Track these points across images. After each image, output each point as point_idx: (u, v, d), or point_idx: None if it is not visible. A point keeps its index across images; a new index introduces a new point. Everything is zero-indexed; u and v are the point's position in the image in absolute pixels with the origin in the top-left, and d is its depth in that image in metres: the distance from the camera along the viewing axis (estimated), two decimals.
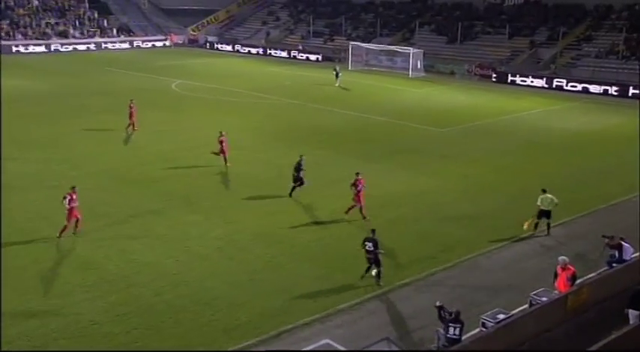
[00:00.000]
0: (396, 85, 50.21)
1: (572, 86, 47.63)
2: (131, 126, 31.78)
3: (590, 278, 16.18)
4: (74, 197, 18.77)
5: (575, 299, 14.28)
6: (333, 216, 21.24)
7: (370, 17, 71.84)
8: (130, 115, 31.76)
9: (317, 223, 20.74)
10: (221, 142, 26.06)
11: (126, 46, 73.20)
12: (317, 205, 22.32)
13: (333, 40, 69.88)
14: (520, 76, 50.80)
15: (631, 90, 44.59)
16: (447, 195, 23.22)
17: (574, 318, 14.15)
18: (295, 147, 29.63)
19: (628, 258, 16.51)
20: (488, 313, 14.08)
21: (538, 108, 41.19)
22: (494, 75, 51.48)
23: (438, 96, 45.86)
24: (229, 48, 73.94)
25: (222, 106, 40.04)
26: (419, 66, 55.67)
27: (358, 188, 20.72)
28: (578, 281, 15.42)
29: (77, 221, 18.94)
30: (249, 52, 71.74)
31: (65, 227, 18.77)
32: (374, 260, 16.73)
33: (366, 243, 16.94)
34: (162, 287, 16.27)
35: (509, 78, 51.13)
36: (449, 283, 16.81)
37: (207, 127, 32.80)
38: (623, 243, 16.70)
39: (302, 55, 66.86)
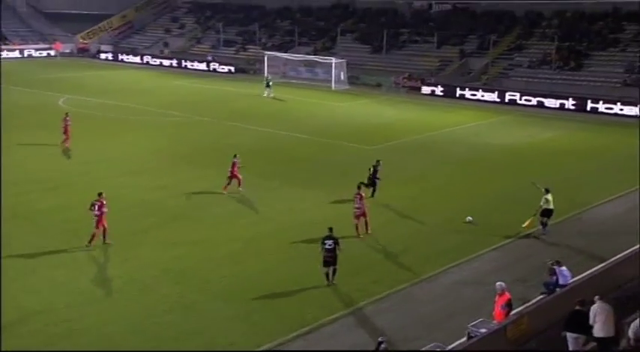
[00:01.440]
0: (318, 99, 50.76)
1: (505, 98, 49.63)
2: (66, 142, 32.68)
3: (530, 305, 16.71)
4: (104, 202, 20.39)
5: (515, 330, 14.68)
6: (249, 248, 21.08)
7: (287, 24, 72.59)
8: (65, 130, 32.80)
9: (232, 256, 20.50)
10: (233, 165, 26.18)
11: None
12: (232, 235, 22.09)
13: (246, 50, 70.05)
14: (463, 89, 52.40)
15: (589, 105, 45.95)
16: (377, 219, 23.39)
17: (515, 350, 14.54)
18: (206, 170, 29.44)
19: (567, 283, 17.17)
20: (425, 349, 14.24)
21: (470, 122, 42.64)
22: (441, 89, 52.68)
23: (363, 110, 46.66)
24: (127, 58, 72.83)
25: (121, 125, 39.14)
26: (342, 77, 56.57)
27: (357, 205, 21.84)
28: (519, 309, 15.90)
29: (104, 230, 20.42)
30: (149, 63, 70.93)
31: (94, 235, 20.30)
32: (333, 259, 17.99)
33: (326, 241, 18.15)
34: (54, 336, 15.57)
35: (434, 89, 52.73)
36: (381, 317, 16.94)
37: (104, 150, 31.93)
38: (557, 267, 17.36)
39: (212, 66, 66.68)
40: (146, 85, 57.04)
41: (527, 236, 22.56)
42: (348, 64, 57.42)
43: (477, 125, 41.88)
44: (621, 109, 44.76)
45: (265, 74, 54.66)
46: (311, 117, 43.34)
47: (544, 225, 22.65)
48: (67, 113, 34.46)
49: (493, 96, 50.24)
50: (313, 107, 47.60)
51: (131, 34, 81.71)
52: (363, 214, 21.94)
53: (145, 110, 44.02)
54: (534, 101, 48.39)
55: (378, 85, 56.75)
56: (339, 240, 18.54)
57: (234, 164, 26.35)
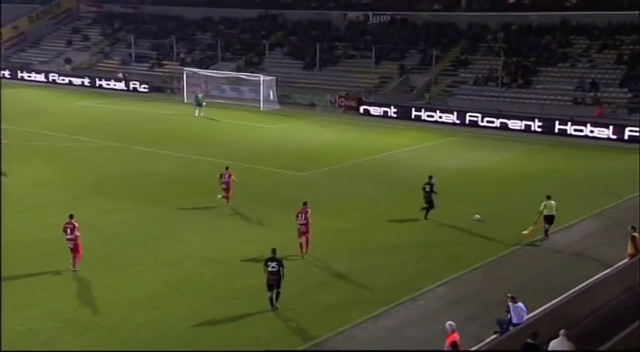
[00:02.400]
0: (245, 120, 50.62)
1: (452, 117, 50.41)
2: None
3: (483, 345, 16.86)
4: (76, 225, 21.97)
5: None
6: (166, 291, 20.69)
7: (208, 38, 72.52)
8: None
9: (147, 300, 20.01)
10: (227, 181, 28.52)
11: None
12: (145, 276, 21.63)
13: (162, 66, 69.51)
14: (405, 108, 52.95)
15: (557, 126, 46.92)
16: (311, 253, 23.37)
17: None
18: (117, 202, 28.88)
19: (522, 321, 17.39)
20: None
21: (414, 144, 43.24)
22: (381, 109, 53.17)
23: (296, 132, 46.76)
24: (19, 75, 71.03)
25: (17, 153, 37.98)
26: (271, 97, 56.69)
27: (302, 222, 23.24)
28: (472, 349, 15.99)
29: (76, 255, 21.94)
30: (47, 80, 69.59)
31: (76, 257, 21.83)
32: (277, 282, 19.05)
33: (269, 263, 19.21)
34: None
35: (372, 108, 53.32)
36: None
37: None
38: (511, 304, 17.57)
39: (121, 84, 65.88)
40: (44, 104, 55.84)
41: (479, 268, 22.86)
42: (277, 82, 57.67)
43: (421, 147, 42.52)
44: (579, 129, 45.70)
45: (198, 92, 54.47)
46: (236, 141, 43.13)
47: (546, 231, 25.51)
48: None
49: (437, 116, 50.94)
50: (239, 129, 47.41)
51: (25, 47, 79.91)
52: (307, 232, 23.24)
53: (46, 135, 42.92)
54: (484, 120, 49.18)
55: (312, 105, 57.05)
56: (283, 262, 19.52)
57: (227, 176, 28.55)
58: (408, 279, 21.84)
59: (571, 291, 20.27)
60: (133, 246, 24.30)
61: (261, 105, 55.56)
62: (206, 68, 63.57)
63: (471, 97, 54.10)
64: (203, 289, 20.82)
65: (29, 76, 71.20)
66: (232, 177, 28.52)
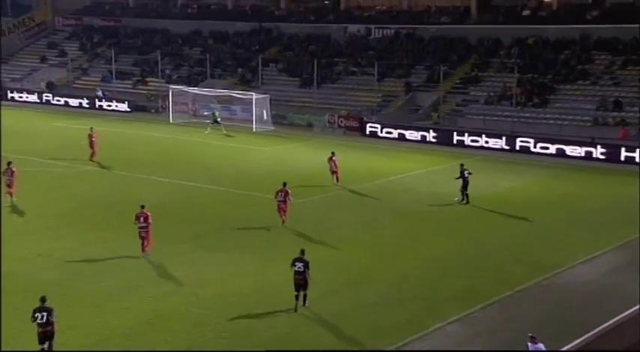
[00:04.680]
0: (237, 143, 50.73)
1: (462, 139, 50.52)
2: (94, 156, 42.65)
3: None
4: (149, 214, 26.37)
5: None
6: (148, 329, 20.63)
7: (197, 53, 72.93)
8: (92, 145, 42.97)
9: (127, 339, 19.97)
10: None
11: None
12: (126, 314, 21.57)
13: (146, 83, 69.85)
14: (410, 129, 53.07)
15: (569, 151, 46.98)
16: (309, 289, 23.34)
17: None
18: (96, 232, 28.88)
19: None
20: None
21: (420, 168, 43.30)
22: (385, 129, 53.20)
23: (292, 156, 46.81)
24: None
25: None
26: (265, 117, 56.87)
27: (280, 199, 29.97)
28: None
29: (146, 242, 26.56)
30: (20, 99, 69.97)
31: (147, 244, 26.38)
32: (303, 282, 21.13)
33: (296, 263, 21.27)
34: None
35: (376, 129, 53.50)
36: None
37: None
38: (531, 344, 17.50)
39: (102, 103, 66.19)
40: (16, 126, 55.79)
41: (492, 304, 22.81)
42: (272, 100, 57.90)
43: (428, 172, 42.59)
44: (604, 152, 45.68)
45: (215, 110, 55.71)
46: (227, 165, 43.22)
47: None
48: (91, 128, 44.01)
49: (447, 137, 51.03)
50: (230, 152, 47.47)
51: None
52: (284, 210, 29.91)
53: (17, 159, 42.88)
54: (496, 143, 49.40)
55: (309, 125, 57.27)
56: (310, 264, 21.45)
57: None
58: (414, 316, 21.77)
59: (596, 330, 20.17)
60: (112, 280, 24.20)
61: (254, 125, 55.74)
62: (194, 86, 63.86)
63: (482, 117, 54.29)
64: (188, 328, 20.70)
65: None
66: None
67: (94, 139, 43.35)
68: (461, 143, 50.31)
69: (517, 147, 48.47)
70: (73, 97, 68.29)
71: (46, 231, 29.32)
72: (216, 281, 24.27)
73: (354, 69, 63.94)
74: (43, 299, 18.83)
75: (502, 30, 61.79)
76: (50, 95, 69.50)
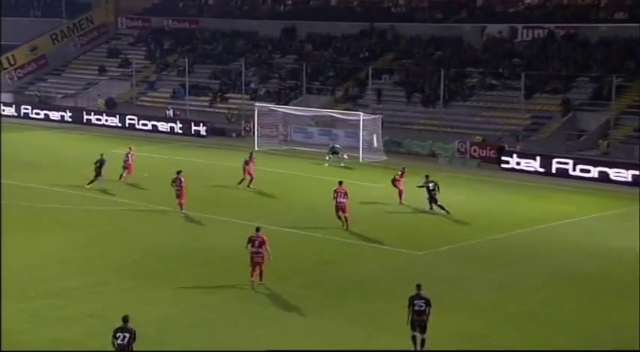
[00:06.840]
0: (337, 176, 50.54)
1: (635, 175, 48.86)
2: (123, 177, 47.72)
3: None
4: (265, 239, 28.93)
5: None
6: None
7: (290, 61, 73.70)
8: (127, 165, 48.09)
9: None
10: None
11: None
12: None
13: (226, 100, 70.94)
14: (568, 162, 51.61)
15: None
16: None
17: None
18: (160, 289, 29.10)
19: None
20: None
21: (580, 214, 42.23)
22: (534, 161, 52.36)
23: (409, 194, 46.39)
24: (36, 113, 73.80)
25: (22, 218, 39.14)
26: (375, 143, 56.96)
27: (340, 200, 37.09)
28: None
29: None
30: (71, 120, 71.92)
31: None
32: (423, 324, 22.61)
33: (416, 301, 22.65)
34: None
35: (520, 160, 52.46)
36: None
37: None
38: None
39: (171, 125, 67.42)
40: (65, 152, 57.59)
41: None
42: (384, 122, 58.01)
43: (591, 218, 41.66)
44: None
45: (335, 144, 56.46)
46: (328, 206, 43.13)
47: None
48: (130, 147, 49.41)
49: (622, 174, 49.55)
50: (326, 187, 47.29)
51: (45, 74, 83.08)
52: (344, 209, 36.81)
53: (65, 194, 44.22)
54: None
55: (433, 155, 57.12)
56: (431, 301, 22.89)
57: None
58: None
59: None
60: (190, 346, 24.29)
61: (361, 155, 55.84)
62: (286, 103, 64.49)
63: None
64: None
65: (21, 111, 73.90)
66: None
67: (130, 161, 48.06)
68: (638, 179, 48.72)
69: None
70: (140, 117, 69.75)
71: (99, 285, 29.71)
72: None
73: (494, 82, 63.57)
74: (125, 319, 20.61)
75: None
76: (113, 115, 71.11)
